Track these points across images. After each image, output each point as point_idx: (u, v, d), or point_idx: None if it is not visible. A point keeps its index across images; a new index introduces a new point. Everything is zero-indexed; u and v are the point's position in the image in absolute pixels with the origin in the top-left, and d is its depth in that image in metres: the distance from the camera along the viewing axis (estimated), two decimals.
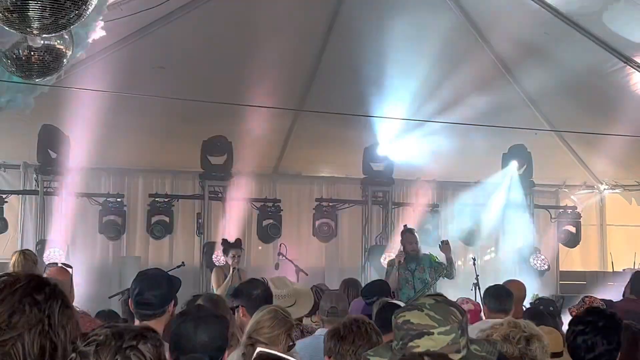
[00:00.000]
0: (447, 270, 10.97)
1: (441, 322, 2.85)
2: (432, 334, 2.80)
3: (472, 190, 16.11)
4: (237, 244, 11.61)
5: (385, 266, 11.62)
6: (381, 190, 15.95)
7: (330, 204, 15.68)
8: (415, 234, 11.26)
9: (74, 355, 2.42)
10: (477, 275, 12.14)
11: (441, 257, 11.27)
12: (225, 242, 11.69)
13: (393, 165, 15.41)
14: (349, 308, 7.12)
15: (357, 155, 15.57)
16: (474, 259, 12.90)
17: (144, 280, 5.07)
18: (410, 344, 2.80)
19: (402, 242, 11.12)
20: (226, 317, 4.43)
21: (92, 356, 2.37)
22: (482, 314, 7.44)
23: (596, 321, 4.57)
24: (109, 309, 8.43)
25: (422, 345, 2.78)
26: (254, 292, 5.68)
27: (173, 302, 5.02)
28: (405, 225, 11.73)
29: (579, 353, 4.54)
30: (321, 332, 5.97)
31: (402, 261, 10.99)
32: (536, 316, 6.86)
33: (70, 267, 7.50)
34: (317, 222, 15.71)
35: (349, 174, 15.93)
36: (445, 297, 3.94)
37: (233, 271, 11.07)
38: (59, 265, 7.55)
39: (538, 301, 9.56)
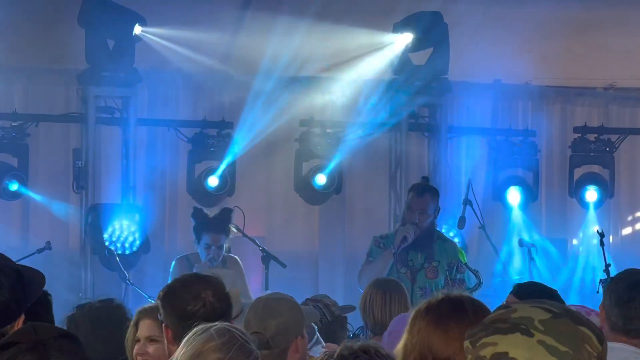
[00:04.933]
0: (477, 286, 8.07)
1: (568, 358, 2.02)
2: None
3: None
4: (222, 219, 8.55)
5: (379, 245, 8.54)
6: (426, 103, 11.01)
7: (330, 129, 10.70)
8: (430, 194, 8.40)
9: None
10: (608, 265, 9.34)
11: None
12: (198, 213, 8.64)
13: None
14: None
15: None
16: (601, 234, 9.43)
17: None
18: None
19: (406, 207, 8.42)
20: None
21: None
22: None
23: None
24: None
25: None
26: (189, 305, 4.14)
27: (22, 316, 3.54)
28: (424, 178, 9.43)
29: None
30: None
31: (402, 243, 8.11)
32: None
33: None
34: (304, 166, 10.71)
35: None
36: (564, 303, 2.62)
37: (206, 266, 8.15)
38: None
39: None
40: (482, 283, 8.15)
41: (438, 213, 8.38)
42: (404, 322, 5.28)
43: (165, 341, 4.17)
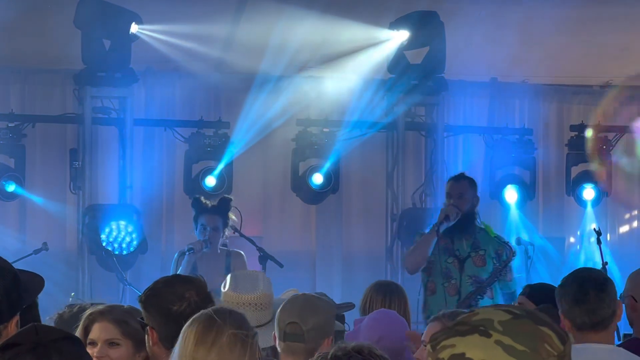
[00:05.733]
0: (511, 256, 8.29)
1: (525, 359, 2.00)
2: None
3: None
4: (219, 205, 8.66)
5: None
6: (423, 102, 11.00)
7: (326, 128, 10.65)
8: (468, 181, 8.53)
9: None
10: (605, 263, 9.31)
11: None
12: (196, 201, 8.81)
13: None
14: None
15: None
16: (598, 232, 9.47)
17: None
18: None
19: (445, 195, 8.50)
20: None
21: None
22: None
23: None
24: None
25: None
26: (175, 305, 4.06)
27: (17, 317, 3.79)
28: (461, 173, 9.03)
29: None
30: None
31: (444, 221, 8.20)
32: None
33: None
34: (300, 165, 10.62)
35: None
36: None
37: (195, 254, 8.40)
38: None
39: None
40: (515, 253, 8.38)
41: (477, 202, 8.47)
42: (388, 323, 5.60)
43: (150, 343, 4.12)
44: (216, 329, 3.65)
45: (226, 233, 8.60)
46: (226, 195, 8.85)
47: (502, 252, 8.33)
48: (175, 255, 8.71)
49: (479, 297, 8.28)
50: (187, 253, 8.40)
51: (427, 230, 8.46)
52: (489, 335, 2.03)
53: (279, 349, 5.02)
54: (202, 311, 3.78)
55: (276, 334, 4.82)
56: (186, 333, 3.67)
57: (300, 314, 4.63)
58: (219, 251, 8.54)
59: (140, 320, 4.11)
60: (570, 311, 4.65)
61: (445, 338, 2.07)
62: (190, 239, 8.63)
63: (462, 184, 8.47)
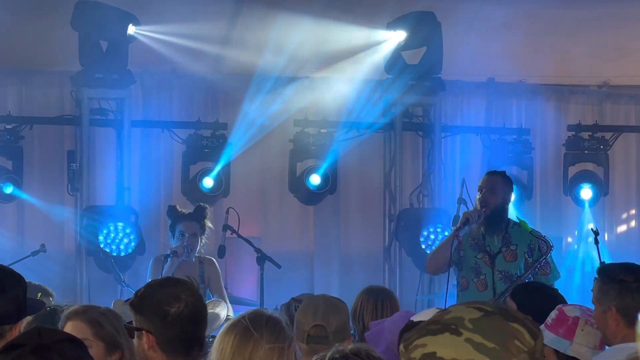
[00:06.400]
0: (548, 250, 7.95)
1: (497, 356, 2.00)
2: None
3: None
4: (195, 212, 8.56)
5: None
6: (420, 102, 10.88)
7: (324, 129, 10.58)
8: (502, 177, 8.24)
9: None
10: (603, 263, 8.77)
11: None
12: (171, 209, 8.64)
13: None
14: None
15: None
16: (596, 232, 9.27)
17: None
18: None
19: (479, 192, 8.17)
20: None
21: None
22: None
23: None
24: None
25: None
26: (172, 307, 3.98)
27: (22, 323, 4.05)
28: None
29: None
30: None
31: (473, 227, 8.02)
32: None
33: None
34: (298, 166, 10.55)
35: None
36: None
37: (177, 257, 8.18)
38: None
39: None
40: (552, 247, 8.12)
41: (510, 199, 8.33)
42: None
43: (144, 347, 4.05)
44: (253, 343, 3.67)
45: (203, 241, 8.49)
46: (202, 204, 8.80)
47: (536, 246, 8.13)
48: (151, 262, 8.57)
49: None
50: (170, 257, 8.24)
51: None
52: (459, 334, 2.03)
53: (299, 350, 4.98)
54: (238, 318, 3.74)
55: (296, 336, 4.76)
56: (223, 342, 3.71)
57: (324, 316, 4.64)
58: (193, 259, 8.40)
59: (129, 324, 4.06)
60: (631, 307, 4.58)
61: (417, 337, 2.07)
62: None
63: (495, 178, 8.27)
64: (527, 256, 8.06)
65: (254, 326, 3.70)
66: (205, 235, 8.47)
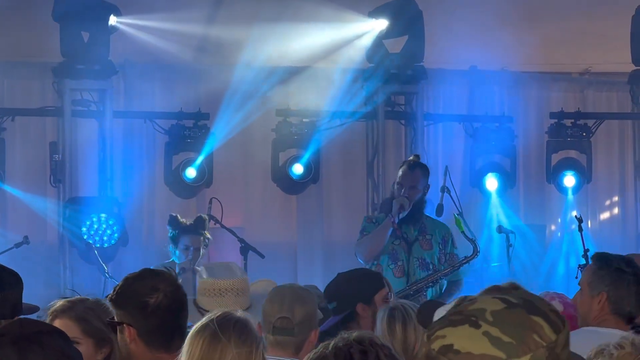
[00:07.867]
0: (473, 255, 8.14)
1: (513, 350, 1.95)
2: None
3: None
4: (197, 224, 8.49)
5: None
6: (402, 91, 10.86)
7: (306, 118, 10.58)
8: (421, 170, 8.28)
9: None
10: (587, 250, 9.20)
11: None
12: (174, 220, 8.54)
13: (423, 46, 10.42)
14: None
15: None
16: (579, 220, 9.38)
17: None
18: None
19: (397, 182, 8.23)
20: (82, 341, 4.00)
21: None
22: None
23: None
24: None
25: None
26: (151, 298, 4.02)
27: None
28: (415, 156, 8.76)
29: None
30: None
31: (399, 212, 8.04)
32: None
33: None
34: (280, 155, 10.52)
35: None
36: (522, 290, 2.28)
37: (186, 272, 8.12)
38: None
39: None
40: (479, 252, 8.20)
41: (427, 190, 8.36)
42: None
43: (127, 341, 4.05)
44: (221, 348, 3.68)
45: (202, 252, 8.53)
46: (202, 215, 8.80)
47: (449, 239, 8.27)
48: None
49: (430, 285, 8.22)
50: (180, 274, 8.15)
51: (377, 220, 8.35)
52: (478, 326, 2.00)
53: (265, 341, 4.82)
54: (206, 320, 3.76)
55: (262, 326, 4.76)
56: (193, 345, 3.72)
57: (290, 307, 4.64)
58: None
59: (110, 320, 4.07)
60: (625, 295, 4.65)
61: (440, 328, 2.05)
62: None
63: (416, 174, 8.29)
64: (440, 247, 8.18)
65: (221, 330, 3.72)
66: (207, 246, 8.54)
